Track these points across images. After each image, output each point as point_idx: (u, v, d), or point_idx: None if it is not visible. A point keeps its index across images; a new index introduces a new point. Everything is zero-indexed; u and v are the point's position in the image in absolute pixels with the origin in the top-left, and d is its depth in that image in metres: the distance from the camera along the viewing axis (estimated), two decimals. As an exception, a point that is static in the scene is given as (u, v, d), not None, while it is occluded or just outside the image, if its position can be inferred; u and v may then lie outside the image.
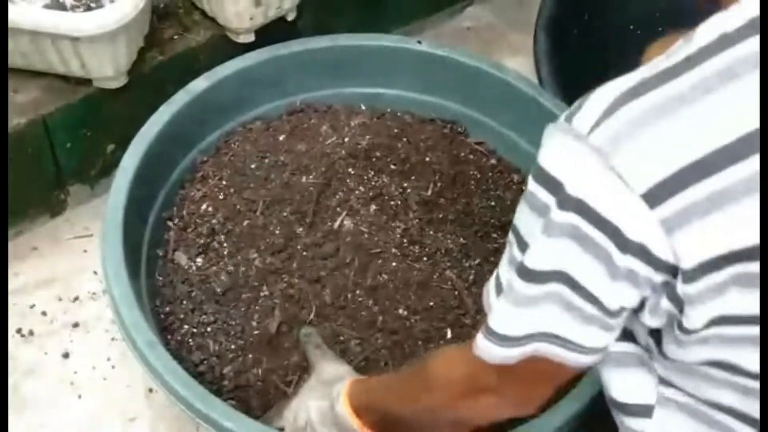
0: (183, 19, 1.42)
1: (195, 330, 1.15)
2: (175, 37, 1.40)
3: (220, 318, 1.15)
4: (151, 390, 1.25)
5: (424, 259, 1.21)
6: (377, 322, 1.14)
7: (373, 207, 1.25)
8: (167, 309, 1.17)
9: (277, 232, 1.22)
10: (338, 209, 1.24)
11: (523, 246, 0.64)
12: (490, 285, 0.69)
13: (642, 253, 0.57)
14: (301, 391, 1.01)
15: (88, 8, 1.27)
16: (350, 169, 1.28)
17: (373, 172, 1.29)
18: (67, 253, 1.40)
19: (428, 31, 1.79)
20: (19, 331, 1.30)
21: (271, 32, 1.39)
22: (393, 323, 1.14)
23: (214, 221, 1.24)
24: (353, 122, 1.36)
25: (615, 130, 0.57)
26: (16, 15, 1.18)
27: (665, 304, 0.62)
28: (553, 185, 0.59)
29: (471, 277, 1.21)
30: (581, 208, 0.58)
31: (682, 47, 0.59)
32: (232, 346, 1.13)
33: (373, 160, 1.30)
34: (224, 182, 1.28)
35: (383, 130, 1.34)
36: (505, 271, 0.66)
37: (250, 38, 1.38)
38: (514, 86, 1.37)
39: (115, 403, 1.25)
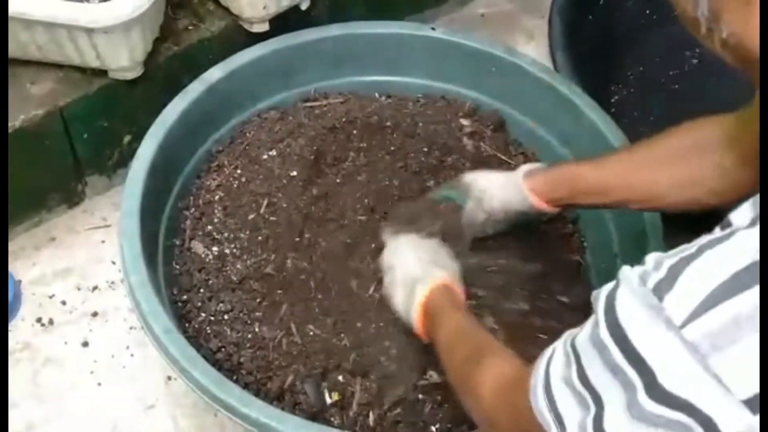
0: (197, 9, 1.43)
1: (212, 318, 1.16)
2: (190, 27, 1.41)
3: (236, 306, 1.16)
4: (169, 378, 1.26)
5: None
6: None
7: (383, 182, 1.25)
8: (184, 297, 1.18)
9: (291, 220, 1.22)
10: (352, 194, 1.25)
11: (597, 401, 0.59)
12: (540, 396, 0.64)
13: None
14: (415, 236, 1.07)
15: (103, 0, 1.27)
16: (363, 143, 1.29)
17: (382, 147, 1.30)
18: (85, 243, 1.42)
19: (442, 18, 1.78)
20: (38, 320, 1.32)
21: (285, 21, 1.39)
22: None
23: (229, 210, 1.24)
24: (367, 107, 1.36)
25: (715, 328, 0.52)
26: (31, 7, 1.19)
27: None
28: (642, 367, 0.55)
29: None
30: (681, 406, 0.53)
31: None
32: (249, 335, 1.14)
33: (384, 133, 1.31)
34: (239, 171, 1.28)
35: (396, 111, 1.35)
36: (575, 411, 0.61)
37: (264, 28, 1.38)
38: (529, 72, 1.36)
39: (134, 391, 1.26)
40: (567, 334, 0.66)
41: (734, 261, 0.53)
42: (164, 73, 1.36)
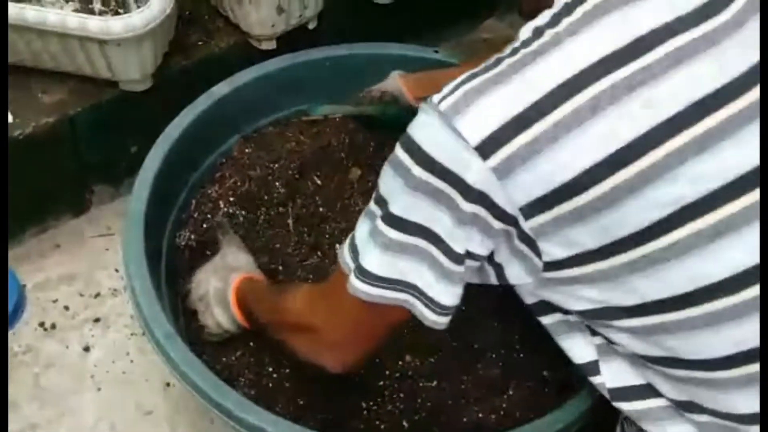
0: (207, 25, 1.46)
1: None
2: (200, 43, 1.44)
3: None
4: (168, 384, 1.28)
5: None
6: None
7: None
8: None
9: (289, 232, 1.25)
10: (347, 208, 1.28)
11: (383, 203, 0.75)
12: (346, 245, 0.79)
13: (483, 199, 0.69)
14: (208, 266, 1.15)
15: (116, 13, 1.31)
16: (358, 165, 1.32)
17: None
18: (90, 251, 1.44)
19: (445, 43, 1.82)
20: (41, 324, 1.34)
21: (293, 40, 1.43)
22: None
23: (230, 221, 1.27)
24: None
25: (456, 98, 0.70)
26: (46, 17, 1.23)
27: (519, 245, 0.73)
28: (413, 148, 0.71)
29: None
30: (432, 165, 0.70)
31: (511, 44, 0.72)
32: (251, 343, 1.16)
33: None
34: (240, 183, 1.31)
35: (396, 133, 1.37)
36: (365, 226, 0.77)
37: (272, 45, 1.42)
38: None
39: (133, 396, 1.28)
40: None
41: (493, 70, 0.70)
42: (173, 87, 1.39)
